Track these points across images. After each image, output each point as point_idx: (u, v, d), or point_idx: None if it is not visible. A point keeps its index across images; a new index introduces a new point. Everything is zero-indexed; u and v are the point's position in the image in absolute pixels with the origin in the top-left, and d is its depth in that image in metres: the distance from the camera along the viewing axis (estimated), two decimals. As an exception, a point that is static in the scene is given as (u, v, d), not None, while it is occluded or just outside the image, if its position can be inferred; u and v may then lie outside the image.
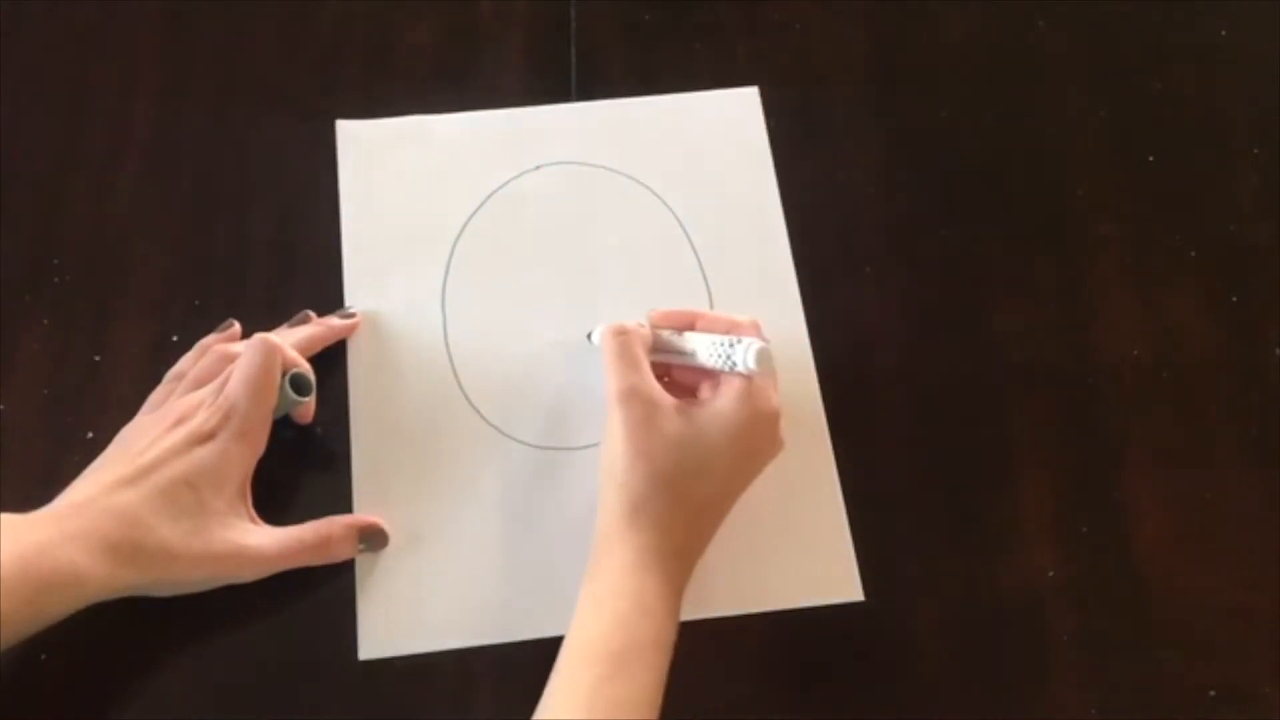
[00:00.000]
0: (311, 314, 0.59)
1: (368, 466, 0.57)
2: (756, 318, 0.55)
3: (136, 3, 0.68)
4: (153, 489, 0.50)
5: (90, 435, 0.56)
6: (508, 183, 0.64)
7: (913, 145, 0.66)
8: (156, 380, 0.57)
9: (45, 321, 0.60)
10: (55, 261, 0.61)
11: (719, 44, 0.68)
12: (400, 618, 0.54)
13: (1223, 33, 0.69)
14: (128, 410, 0.56)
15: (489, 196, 0.64)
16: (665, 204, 0.64)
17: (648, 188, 0.64)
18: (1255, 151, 0.66)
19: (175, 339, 0.59)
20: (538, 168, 0.64)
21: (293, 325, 0.58)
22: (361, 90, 0.66)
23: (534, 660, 0.53)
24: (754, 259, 0.62)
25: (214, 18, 0.68)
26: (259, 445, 0.54)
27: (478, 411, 0.58)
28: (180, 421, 0.53)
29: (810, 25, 0.69)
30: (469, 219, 0.63)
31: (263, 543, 0.52)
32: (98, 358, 0.59)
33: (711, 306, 0.61)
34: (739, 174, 0.65)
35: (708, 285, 0.62)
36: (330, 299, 0.60)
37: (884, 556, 0.55)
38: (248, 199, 0.63)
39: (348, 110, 0.65)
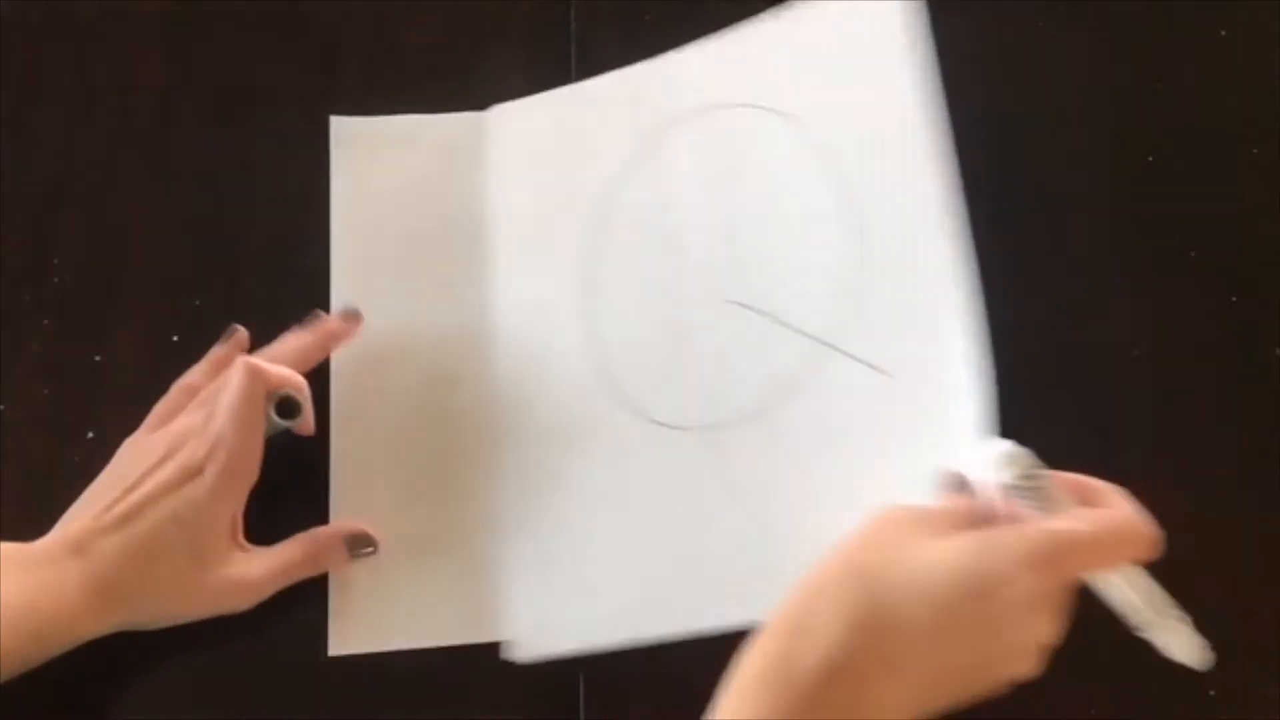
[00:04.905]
0: (323, 314, 0.58)
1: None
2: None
3: (136, 3, 0.68)
4: (141, 531, 0.50)
5: (90, 435, 0.56)
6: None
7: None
8: (157, 380, 0.57)
9: (45, 321, 0.60)
10: (55, 261, 0.61)
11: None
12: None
13: (1223, 33, 0.69)
14: (127, 410, 0.56)
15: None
16: (802, 140, 0.56)
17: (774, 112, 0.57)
18: (1255, 151, 0.66)
19: (175, 339, 0.59)
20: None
21: (303, 326, 0.58)
22: (361, 89, 0.66)
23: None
24: (909, 205, 0.54)
25: (213, 18, 0.68)
26: (250, 475, 0.53)
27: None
28: (169, 455, 0.52)
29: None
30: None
31: (253, 572, 0.52)
32: (98, 358, 0.59)
33: (862, 267, 0.54)
34: (886, 100, 0.56)
35: (861, 240, 0.54)
36: (330, 299, 0.60)
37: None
38: (248, 199, 0.63)
39: (346, 108, 0.65)
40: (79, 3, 0.68)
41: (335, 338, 0.58)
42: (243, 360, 0.53)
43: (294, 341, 0.57)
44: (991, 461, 0.42)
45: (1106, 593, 0.44)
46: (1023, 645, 0.40)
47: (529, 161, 0.61)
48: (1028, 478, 0.42)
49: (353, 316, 0.59)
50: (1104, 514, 0.41)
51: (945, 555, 0.39)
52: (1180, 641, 0.44)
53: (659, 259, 0.57)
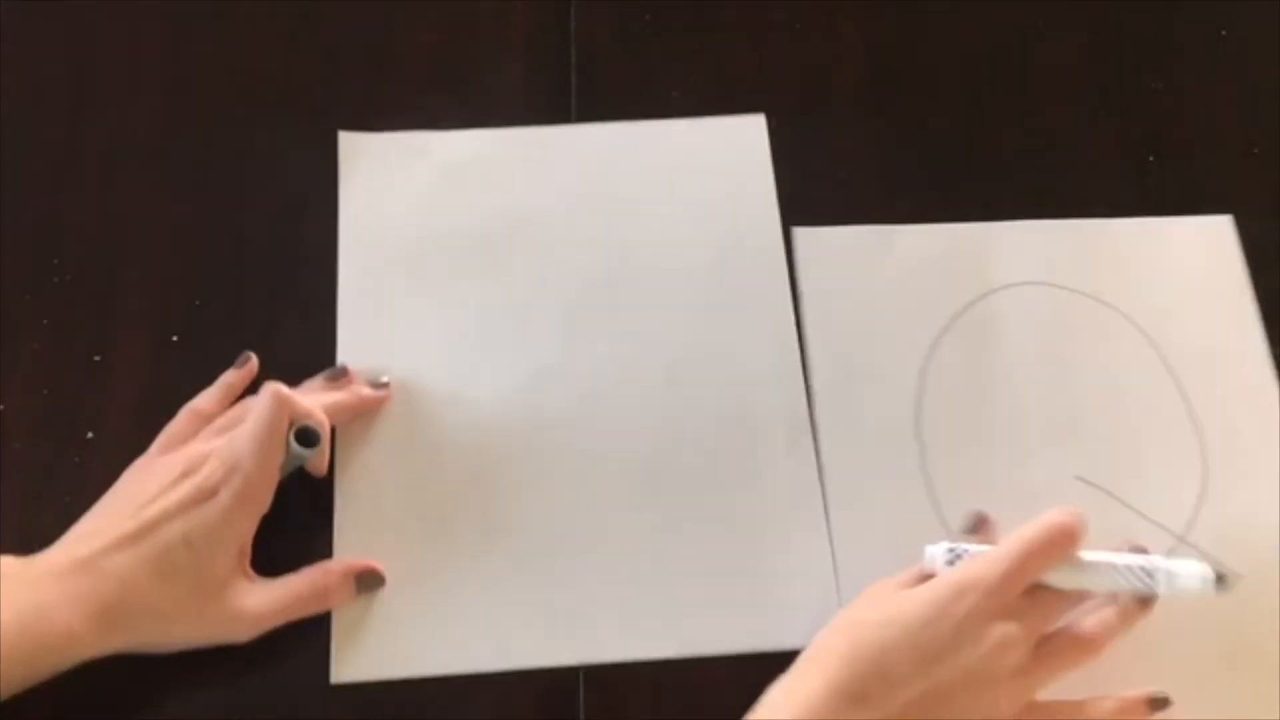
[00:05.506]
0: (349, 368, 0.58)
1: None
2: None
3: (136, 3, 0.68)
4: (151, 550, 0.49)
5: (90, 435, 0.56)
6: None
7: (909, 150, 0.66)
8: (156, 381, 0.57)
9: (45, 321, 0.60)
10: (55, 261, 0.61)
11: (721, 46, 0.68)
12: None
13: (1223, 33, 0.69)
14: (127, 410, 0.56)
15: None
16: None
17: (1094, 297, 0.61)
18: (1255, 151, 0.66)
19: (175, 339, 0.59)
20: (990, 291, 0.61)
21: (328, 379, 0.57)
22: (362, 90, 0.66)
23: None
24: (1242, 401, 0.59)
25: (214, 19, 0.68)
26: (263, 503, 0.52)
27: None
28: (186, 474, 0.51)
29: (813, 26, 0.69)
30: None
31: (257, 605, 0.51)
32: (98, 358, 0.59)
33: (1204, 460, 0.58)
34: (1223, 314, 0.61)
35: (1199, 435, 0.58)
36: (330, 301, 0.60)
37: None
38: (248, 200, 0.63)
39: (347, 110, 0.65)
40: (79, 3, 0.68)
41: (365, 404, 0.57)
42: (273, 387, 0.53)
43: (324, 394, 0.56)
44: (938, 554, 0.51)
45: (1080, 585, 0.50)
46: (994, 659, 0.47)
47: (838, 286, 0.61)
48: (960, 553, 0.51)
49: (381, 386, 0.58)
50: (1018, 532, 0.50)
51: (911, 596, 0.49)
52: (1186, 578, 0.48)
53: (990, 416, 0.59)
